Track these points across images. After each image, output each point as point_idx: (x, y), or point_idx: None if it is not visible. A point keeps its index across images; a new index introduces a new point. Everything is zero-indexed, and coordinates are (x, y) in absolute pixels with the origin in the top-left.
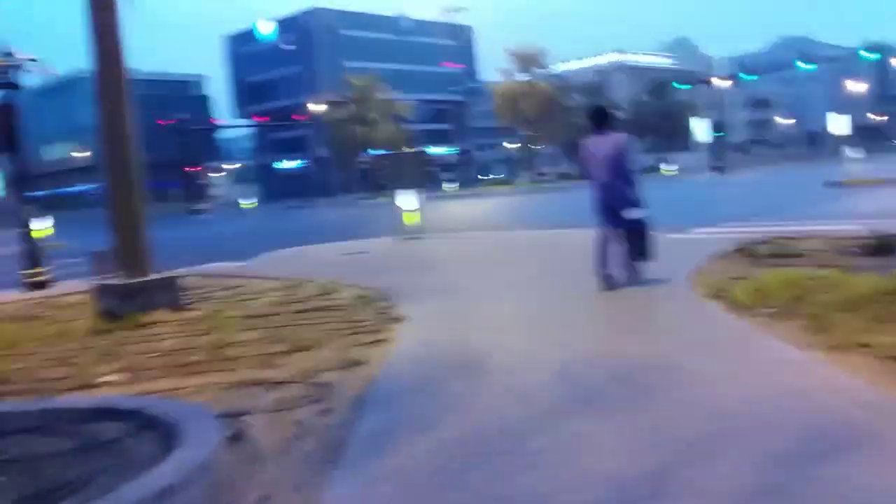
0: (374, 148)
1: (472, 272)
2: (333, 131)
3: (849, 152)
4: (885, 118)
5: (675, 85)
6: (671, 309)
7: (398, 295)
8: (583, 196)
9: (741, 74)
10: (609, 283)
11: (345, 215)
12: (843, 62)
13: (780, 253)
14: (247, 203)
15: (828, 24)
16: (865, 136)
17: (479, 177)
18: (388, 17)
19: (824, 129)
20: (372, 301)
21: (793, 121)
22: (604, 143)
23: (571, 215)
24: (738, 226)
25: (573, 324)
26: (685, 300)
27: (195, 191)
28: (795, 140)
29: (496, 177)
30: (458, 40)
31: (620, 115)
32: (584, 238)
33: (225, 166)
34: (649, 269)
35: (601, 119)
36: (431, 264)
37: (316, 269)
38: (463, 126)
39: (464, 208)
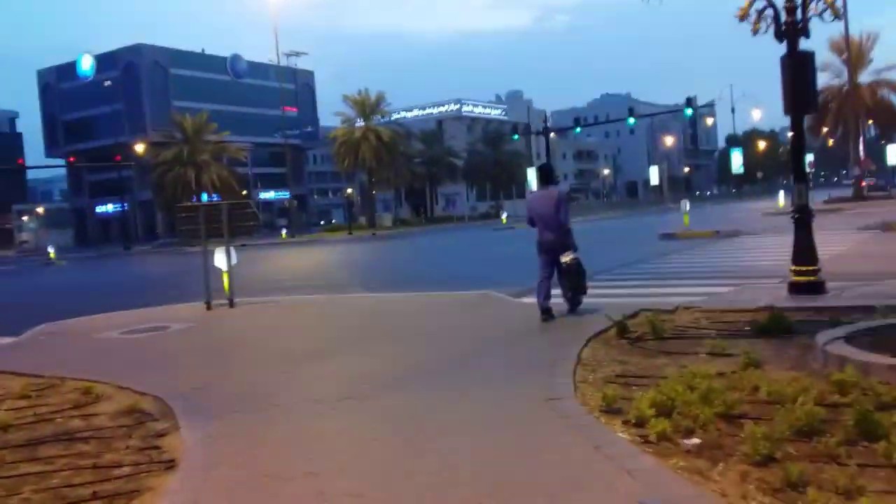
0: (204, 191)
1: (295, 362)
2: (159, 173)
3: (682, 204)
4: (691, 170)
5: (515, 137)
6: (564, 441)
7: (184, 407)
8: (420, 245)
9: (576, 129)
10: (547, 316)
11: (161, 267)
12: (660, 118)
13: (659, 333)
14: (54, 252)
15: (644, 85)
16: (676, 186)
17: (321, 222)
18: (221, 58)
19: (642, 179)
20: (143, 420)
21: (608, 171)
22: (547, 196)
23: (415, 270)
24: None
25: (436, 473)
26: (578, 420)
27: None
28: (616, 189)
29: (335, 223)
30: (298, 85)
31: (457, 162)
32: (444, 309)
33: (37, 210)
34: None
35: (546, 175)
36: (243, 348)
37: (93, 356)
38: (300, 170)
39: (295, 260)
